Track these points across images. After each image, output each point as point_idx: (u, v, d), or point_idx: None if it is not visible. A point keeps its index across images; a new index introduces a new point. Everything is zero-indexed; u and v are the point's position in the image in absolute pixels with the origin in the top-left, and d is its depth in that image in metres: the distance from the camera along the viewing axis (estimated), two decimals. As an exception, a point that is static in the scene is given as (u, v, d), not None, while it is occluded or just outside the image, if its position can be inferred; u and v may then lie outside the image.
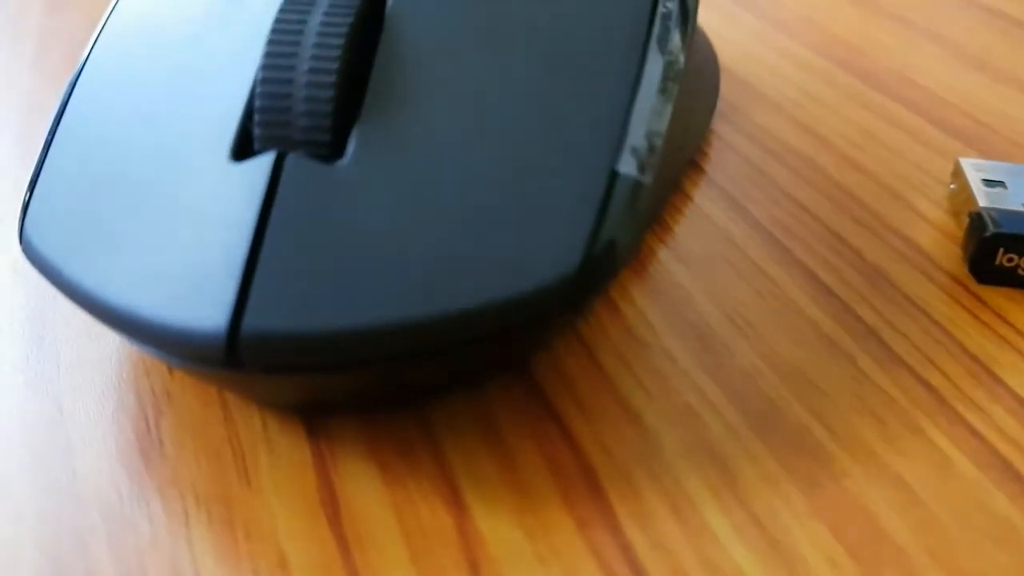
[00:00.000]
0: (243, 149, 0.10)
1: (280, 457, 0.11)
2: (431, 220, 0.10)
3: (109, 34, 0.13)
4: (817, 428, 0.11)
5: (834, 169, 0.16)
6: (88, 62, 0.13)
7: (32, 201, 0.12)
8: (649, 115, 0.11)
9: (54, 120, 0.12)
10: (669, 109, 0.11)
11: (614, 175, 0.10)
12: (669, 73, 0.11)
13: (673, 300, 0.13)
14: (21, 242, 0.11)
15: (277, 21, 0.11)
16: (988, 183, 0.14)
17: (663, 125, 0.11)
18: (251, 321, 0.09)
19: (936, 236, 0.15)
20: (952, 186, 0.15)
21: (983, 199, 0.14)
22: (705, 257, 0.14)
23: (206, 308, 0.10)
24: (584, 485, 0.11)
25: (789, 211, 0.15)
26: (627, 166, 0.11)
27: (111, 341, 0.13)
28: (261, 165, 0.10)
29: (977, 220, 0.14)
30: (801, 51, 0.20)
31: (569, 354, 0.12)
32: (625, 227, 0.10)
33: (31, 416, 0.12)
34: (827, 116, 0.17)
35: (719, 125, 0.17)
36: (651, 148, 0.11)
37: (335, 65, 0.10)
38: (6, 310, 0.13)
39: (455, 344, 0.10)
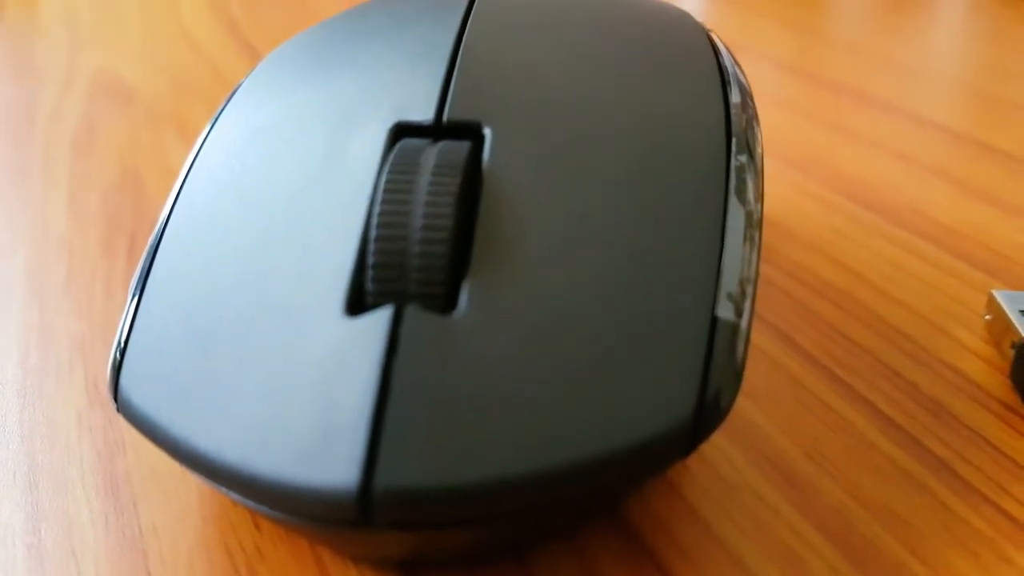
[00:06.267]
0: (356, 303, 0.11)
1: (386, 615, 0.11)
2: (545, 372, 0.10)
3: (191, 188, 0.13)
4: (915, 564, 0.12)
5: (874, 303, 0.17)
6: (172, 215, 0.13)
7: (126, 359, 0.11)
8: (739, 262, 0.11)
9: (140, 275, 0.12)
10: (756, 256, 0.12)
11: (714, 320, 0.11)
12: (751, 221, 0.12)
13: (749, 437, 0.13)
14: (116, 401, 0.11)
15: (388, 181, 0.11)
16: (1025, 314, 0.15)
17: (753, 271, 0.12)
18: (383, 478, 0.09)
19: (983, 367, 0.15)
20: (987, 317, 0.16)
21: (1026, 330, 0.15)
22: (770, 392, 0.14)
23: (335, 466, 0.09)
24: (700, 634, 0.11)
25: (841, 345, 0.15)
26: (725, 311, 0.11)
27: (191, 495, 0.13)
28: (380, 319, 0.10)
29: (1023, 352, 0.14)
30: (819, 189, 0.21)
31: (658, 495, 0.12)
32: (730, 371, 0.11)
33: (121, 579, 0.11)
34: (858, 252, 0.18)
35: (755, 261, 0.18)
36: (744, 293, 0.11)
37: (449, 222, 0.11)
38: (76, 467, 0.13)
39: (577, 494, 0.10)
